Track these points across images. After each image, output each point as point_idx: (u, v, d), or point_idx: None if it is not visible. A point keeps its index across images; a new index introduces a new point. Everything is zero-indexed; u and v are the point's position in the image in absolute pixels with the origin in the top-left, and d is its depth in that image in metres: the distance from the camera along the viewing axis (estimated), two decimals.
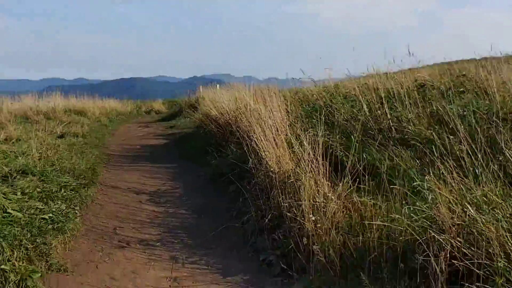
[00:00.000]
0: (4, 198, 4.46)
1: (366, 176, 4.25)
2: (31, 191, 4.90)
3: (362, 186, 4.05)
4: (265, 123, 5.81)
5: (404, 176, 4.19)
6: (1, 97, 19.85)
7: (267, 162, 5.06)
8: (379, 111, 6.24)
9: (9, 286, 3.07)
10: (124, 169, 7.34)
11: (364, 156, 4.70)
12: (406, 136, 5.54)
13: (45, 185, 5.19)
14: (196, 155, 7.71)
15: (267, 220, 4.41)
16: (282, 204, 4.33)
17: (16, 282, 3.14)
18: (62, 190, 5.20)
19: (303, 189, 4.05)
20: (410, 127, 5.66)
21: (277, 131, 5.68)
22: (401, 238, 3.32)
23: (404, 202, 3.74)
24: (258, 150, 5.29)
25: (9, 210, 4.26)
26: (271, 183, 4.83)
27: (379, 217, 3.67)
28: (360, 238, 3.57)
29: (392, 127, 5.83)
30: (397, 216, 3.42)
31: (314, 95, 9.07)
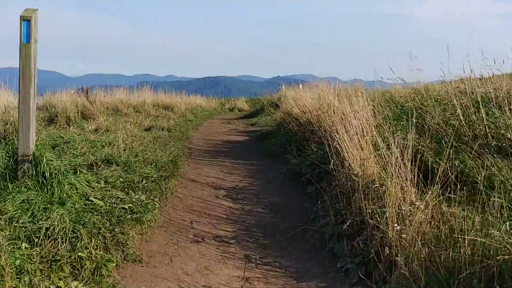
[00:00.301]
0: (88, 186, 4.60)
1: (458, 186, 3.88)
2: (114, 180, 5.03)
3: (452, 196, 3.69)
4: (349, 123, 5.56)
5: (501, 188, 3.78)
6: (95, 90, 21.16)
7: (349, 164, 4.81)
8: (474, 116, 5.74)
9: (85, 274, 3.11)
10: (205, 163, 7.39)
11: (457, 163, 4.31)
12: (504, 144, 5.04)
13: (127, 175, 5.30)
14: (276, 153, 7.59)
15: (346, 225, 4.17)
16: (364, 209, 4.07)
17: (92, 270, 3.17)
18: (144, 181, 5.28)
19: (388, 195, 3.78)
20: (509, 134, 5.14)
21: (362, 132, 5.40)
22: (498, 256, 2.96)
23: (502, 216, 3.36)
24: (340, 151, 5.05)
25: (91, 198, 4.38)
26: (353, 187, 4.58)
27: (472, 231, 3.31)
28: (449, 252, 3.24)
29: (489, 134, 5.33)
30: (493, 231, 3.06)
31: (403, 97, 8.62)
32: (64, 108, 12.91)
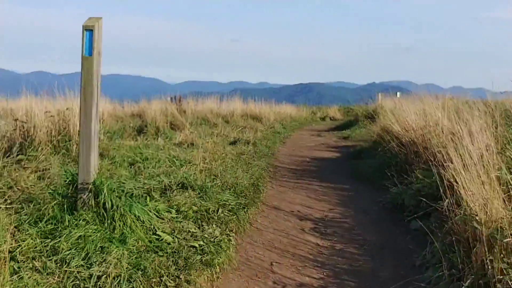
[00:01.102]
0: (157, 217, 4.07)
1: None
2: (187, 209, 4.47)
3: None
4: (465, 149, 4.55)
5: None
6: (187, 98, 21.37)
7: (468, 204, 3.84)
8: None
9: None
10: (290, 186, 6.66)
11: None
12: None
13: (202, 202, 4.72)
14: (372, 177, 6.68)
15: (465, 286, 3.24)
16: (490, 267, 3.13)
17: None
18: (220, 210, 4.67)
19: None
20: None
21: (482, 160, 4.38)
22: None
23: None
24: (455, 185, 4.09)
25: (159, 232, 3.84)
26: (473, 234, 3.62)
27: None
28: None
29: None
30: None
31: None
32: (153, 118, 12.90)
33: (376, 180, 6.49)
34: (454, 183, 4.08)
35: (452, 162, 4.34)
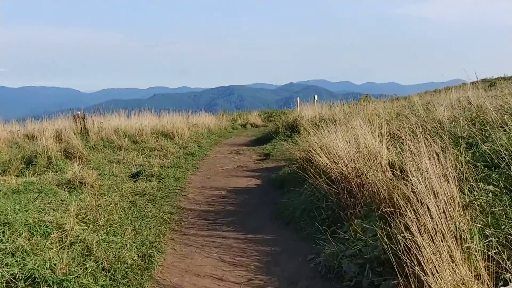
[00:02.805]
0: None
1: None
2: None
3: None
4: (420, 202, 3.41)
5: None
6: (91, 115, 19.27)
7: None
8: None
9: None
10: (198, 243, 5.21)
11: None
12: None
13: None
14: (299, 223, 5.40)
15: None
16: None
17: None
18: None
19: None
20: None
21: (448, 221, 3.24)
22: None
23: None
24: (411, 257, 2.91)
25: None
26: None
27: None
28: None
29: None
30: None
31: (453, 121, 6.49)
32: (45, 147, 10.94)
33: (304, 227, 5.23)
34: (412, 256, 2.89)
35: (403, 217, 3.17)
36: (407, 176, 4.54)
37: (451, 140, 6.23)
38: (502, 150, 4.50)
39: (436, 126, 7.93)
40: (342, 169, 5.28)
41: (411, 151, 4.56)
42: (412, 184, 4.04)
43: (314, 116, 15.43)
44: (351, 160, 5.22)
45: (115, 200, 6.09)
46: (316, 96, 25.38)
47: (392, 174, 4.83)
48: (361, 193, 4.87)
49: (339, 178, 5.24)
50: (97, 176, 8.68)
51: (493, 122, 7.39)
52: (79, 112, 20.22)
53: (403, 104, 20.10)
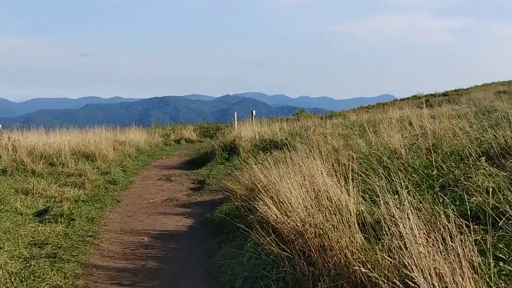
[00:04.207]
0: None
1: None
2: None
3: None
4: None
5: None
6: (10, 130, 17.08)
7: None
8: None
9: None
10: None
11: None
12: None
13: None
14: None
15: None
16: None
17: None
18: None
19: None
20: None
21: None
22: None
23: None
24: None
25: None
26: None
27: None
28: None
29: None
30: None
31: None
32: None
33: None
34: None
35: None
36: (383, 238, 3.50)
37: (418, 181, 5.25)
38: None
39: (393, 157, 7.02)
40: (296, 224, 4.11)
41: (385, 205, 3.51)
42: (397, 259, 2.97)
43: (254, 136, 14.31)
44: (308, 214, 4.05)
45: (15, 241, 4.57)
46: (253, 112, 24.40)
47: (364, 235, 3.73)
48: (323, 260, 3.71)
49: (293, 237, 4.06)
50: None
51: (456, 153, 6.59)
52: (0, 125, 17.91)
53: (343, 123, 19.54)
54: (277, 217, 4.33)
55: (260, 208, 4.53)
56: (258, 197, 4.92)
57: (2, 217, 6.69)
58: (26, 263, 4.85)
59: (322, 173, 4.72)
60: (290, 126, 19.29)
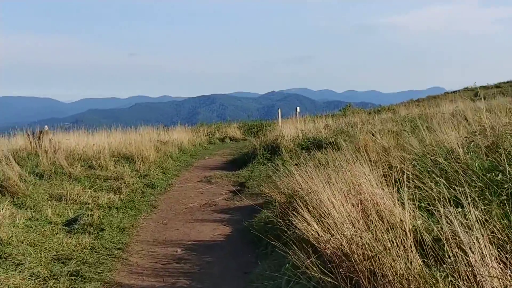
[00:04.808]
0: None
1: None
2: None
3: None
4: None
5: None
6: (59, 130, 17.28)
7: None
8: None
9: None
10: None
11: None
12: None
13: None
14: None
15: None
16: None
17: None
18: None
19: None
20: None
21: None
22: None
23: None
24: None
25: None
26: None
27: None
28: None
29: None
30: None
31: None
32: None
33: None
34: None
35: None
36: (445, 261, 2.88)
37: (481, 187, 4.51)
38: None
39: (450, 158, 6.26)
40: (341, 244, 3.51)
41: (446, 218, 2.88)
42: None
43: (297, 135, 13.69)
44: (355, 232, 3.44)
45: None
46: (298, 108, 23.74)
47: (422, 259, 3.10)
48: None
49: (337, 259, 3.47)
50: (24, 223, 6.84)
51: None
52: (46, 127, 18.16)
53: (392, 118, 18.56)
54: (318, 234, 3.74)
55: (298, 224, 3.95)
56: (296, 210, 4.33)
57: (31, 227, 6.44)
58: (44, 284, 4.49)
59: (370, 182, 4.09)
60: (335, 123, 18.53)
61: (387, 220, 3.66)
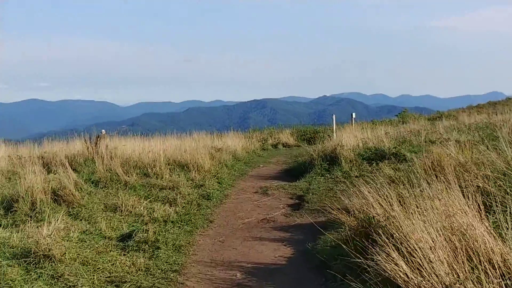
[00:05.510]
0: None
1: None
2: None
3: None
4: None
5: None
6: (116, 134, 17.47)
7: None
8: None
9: None
10: None
11: None
12: None
13: None
14: None
15: None
16: None
17: None
18: None
19: None
20: None
21: None
22: None
23: None
24: None
25: None
26: None
27: None
28: None
29: None
30: None
31: None
32: (29, 188, 8.98)
33: None
34: None
35: None
36: None
37: None
38: None
39: None
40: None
41: None
42: None
43: (357, 143, 13.02)
44: (455, 278, 2.86)
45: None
46: (353, 114, 22.93)
47: None
48: None
49: None
50: (78, 236, 6.65)
51: None
52: (103, 131, 18.40)
53: (456, 127, 17.43)
54: (407, 277, 3.18)
55: (383, 263, 3.40)
56: (376, 242, 3.78)
57: (85, 241, 6.21)
58: None
59: (466, 213, 3.48)
60: (395, 130, 17.66)
61: (488, 259, 3.06)
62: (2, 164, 13.78)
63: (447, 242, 3.33)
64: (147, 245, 6.08)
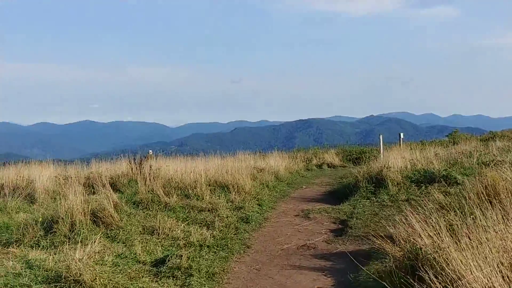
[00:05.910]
0: None
1: None
2: None
3: None
4: None
5: None
6: (161, 153, 17.62)
7: None
8: None
9: None
10: None
11: None
12: None
13: None
14: None
15: None
16: None
17: None
18: None
19: None
20: None
21: None
22: None
23: None
24: None
25: None
26: None
27: None
28: None
29: None
30: None
31: None
32: (69, 209, 8.98)
33: None
34: None
35: None
36: None
37: None
38: None
39: None
40: None
41: None
42: None
43: (404, 165, 12.42)
44: None
45: None
46: (401, 134, 22.12)
47: None
48: None
49: None
50: (113, 260, 6.50)
51: None
52: (150, 151, 18.59)
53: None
54: None
55: None
56: (422, 279, 3.37)
57: (118, 265, 6.05)
58: None
59: None
60: (446, 152, 16.83)
61: None
62: (49, 184, 14.02)
63: (505, 282, 2.89)
64: (180, 272, 5.83)
